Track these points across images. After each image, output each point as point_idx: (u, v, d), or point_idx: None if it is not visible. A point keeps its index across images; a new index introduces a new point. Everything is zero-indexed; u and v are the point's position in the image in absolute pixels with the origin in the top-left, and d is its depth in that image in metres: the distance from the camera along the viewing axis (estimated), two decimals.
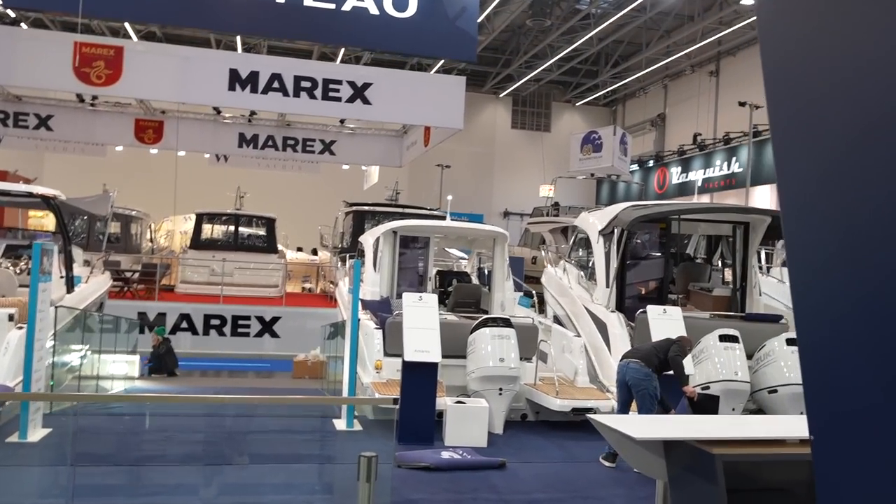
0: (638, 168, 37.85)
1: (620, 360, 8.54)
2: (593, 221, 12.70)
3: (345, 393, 9.49)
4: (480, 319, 9.95)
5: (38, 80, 18.41)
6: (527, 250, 26.21)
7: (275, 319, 19.64)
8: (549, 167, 36.62)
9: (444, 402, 9.12)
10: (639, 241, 12.72)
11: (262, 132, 26.65)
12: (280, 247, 27.89)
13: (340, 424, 9.48)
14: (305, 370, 16.32)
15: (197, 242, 23.17)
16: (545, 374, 10.66)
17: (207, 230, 24.00)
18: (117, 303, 19.28)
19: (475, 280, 14.99)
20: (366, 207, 22.63)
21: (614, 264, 11.42)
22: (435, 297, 9.44)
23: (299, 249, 31.45)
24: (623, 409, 8.56)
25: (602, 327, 10.99)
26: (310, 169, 30.88)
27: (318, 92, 18.43)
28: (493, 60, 36.51)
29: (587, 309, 11.85)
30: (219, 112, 25.96)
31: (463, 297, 13.10)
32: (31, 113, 24.71)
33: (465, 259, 17.65)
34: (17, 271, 11.11)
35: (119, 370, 15.05)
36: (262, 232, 24.27)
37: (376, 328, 10.32)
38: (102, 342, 13.27)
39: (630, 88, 39.46)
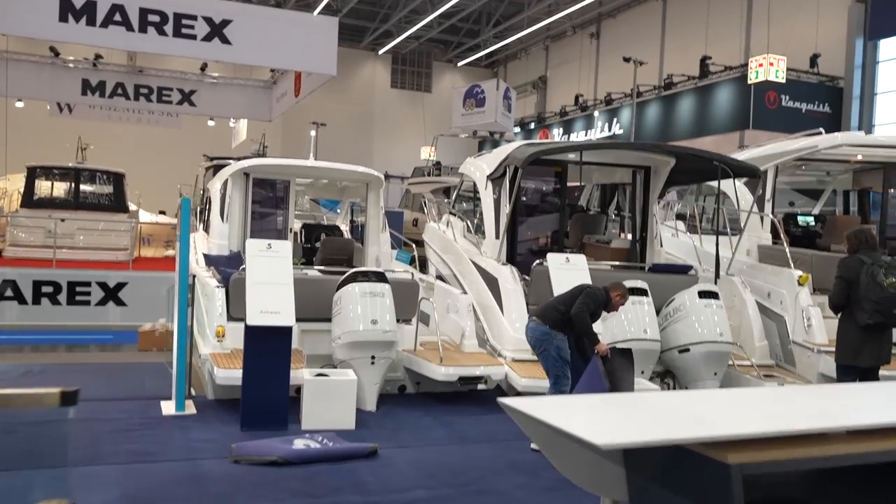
0: (520, 130, 36.66)
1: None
2: (480, 165, 10.98)
3: (174, 370, 7.40)
4: (348, 273, 8.07)
5: None
6: (408, 212, 24.40)
7: (120, 286, 16.91)
8: (430, 128, 34.84)
9: (301, 375, 7.20)
10: (531, 185, 11.10)
11: (109, 79, 23.39)
12: (132, 206, 24.89)
13: (169, 408, 7.40)
14: (152, 341, 13.87)
15: (30, 200, 19.98)
16: (427, 339, 8.93)
17: (42, 186, 20.79)
18: None
19: (348, 236, 13.04)
20: (231, 161, 20.11)
21: (506, 211, 9.77)
22: (288, 244, 7.41)
23: (161, 213, 28.39)
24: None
25: (492, 283, 9.34)
26: (169, 123, 27.87)
27: (169, 28, 15.69)
28: (370, 14, 34.25)
29: (475, 264, 10.15)
30: (57, 54, 22.63)
31: (332, 252, 11.14)
32: None
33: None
34: None
35: None
36: (108, 189, 21.28)
37: (218, 286, 8.25)
38: None
39: (512, 49, 38.17)
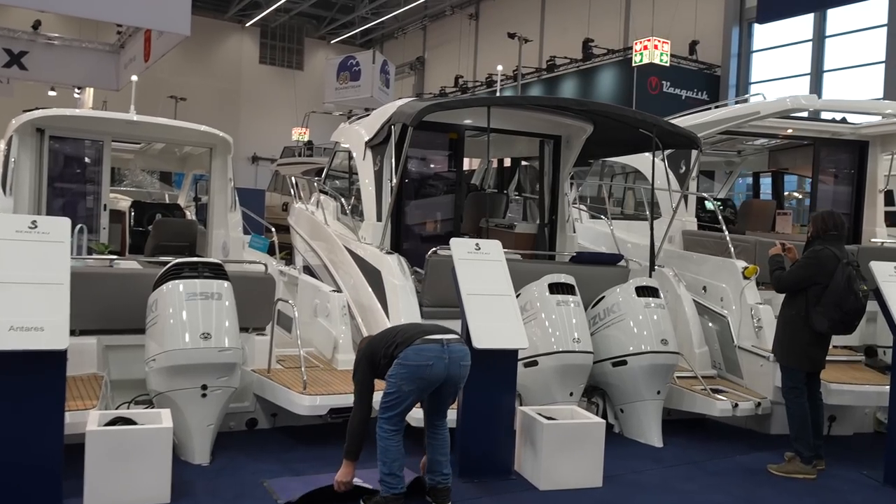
0: None
1: (417, 340, 4.56)
2: (357, 130, 8.57)
3: None
4: (169, 265, 5.47)
5: None
6: (276, 196, 21.53)
7: None
8: (302, 108, 31.88)
9: (84, 420, 4.59)
10: (419, 156, 8.76)
11: None
12: None
13: None
14: None
15: None
16: (286, 353, 6.48)
17: None
18: None
19: (192, 217, 10.28)
20: None
21: (391, 184, 7.43)
22: (63, 222, 4.67)
23: None
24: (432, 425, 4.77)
25: (374, 277, 6.97)
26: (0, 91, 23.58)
27: None
28: None
29: (351, 252, 7.76)
30: None
31: (166, 237, 8.46)
32: None
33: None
34: None
35: None
36: None
37: None
38: None
39: (388, 28, 35.69)
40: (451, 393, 4.72)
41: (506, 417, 5.36)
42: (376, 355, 4.66)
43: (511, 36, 21.71)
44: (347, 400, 5.66)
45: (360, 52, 25.85)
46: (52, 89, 25.68)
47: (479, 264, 5.56)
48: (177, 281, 5.33)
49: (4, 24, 21.73)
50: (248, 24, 34.55)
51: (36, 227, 4.52)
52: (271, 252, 8.92)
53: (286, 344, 6.64)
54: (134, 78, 8.25)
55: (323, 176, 10.25)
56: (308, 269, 9.23)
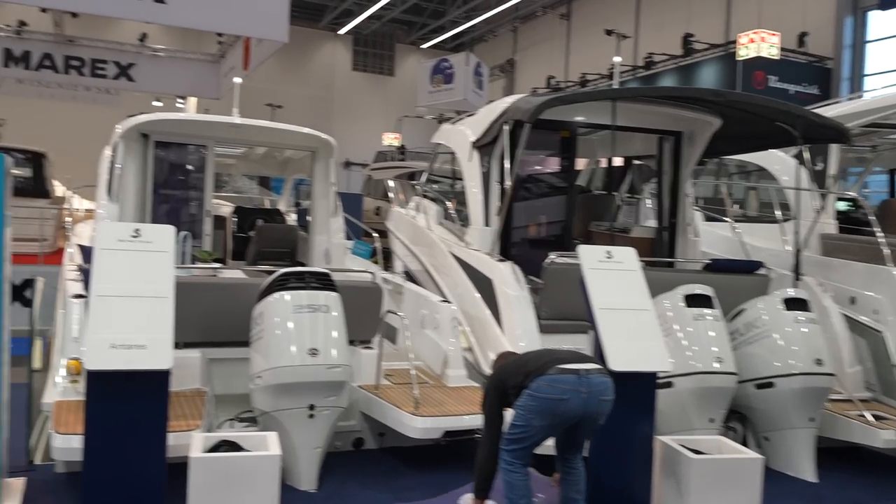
0: None
1: (551, 369, 3.95)
2: (462, 131, 8.03)
3: (2, 428, 4.28)
4: (275, 276, 5.06)
5: None
6: (369, 200, 21.32)
7: (27, 284, 13.65)
8: (393, 113, 31.80)
9: (188, 442, 4.21)
10: (528, 158, 8.14)
11: (35, 49, 19.89)
12: (66, 191, 21.46)
13: None
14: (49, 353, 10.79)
15: None
16: (394, 365, 6.00)
17: None
18: None
19: (293, 222, 9.98)
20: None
21: (497, 189, 6.86)
22: (168, 230, 4.32)
23: None
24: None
25: (485, 285, 6.41)
26: (109, 101, 24.32)
27: None
28: None
29: (457, 258, 7.22)
30: None
31: (268, 243, 8.16)
32: None
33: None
34: None
35: None
36: (25, 171, 17.80)
37: (75, 297, 5.17)
38: None
39: (478, 31, 35.19)
40: (588, 430, 4.10)
41: (644, 449, 4.69)
42: (505, 384, 4.08)
43: (608, 33, 20.80)
44: (463, 422, 5.16)
45: (453, 54, 25.51)
46: (158, 99, 26.35)
47: (611, 274, 4.90)
48: (283, 292, 4.90)
49: (114, 37, 22.34)
50: (341, 32, 34.73)
51: (139, 235, 4.16)
52: (372, 257, 8.50)
53: (390, 356, 6.16)
54: (237, 80, 8.00)
55: (423, 179, 9.76)
56: (408, 275, 8.77)
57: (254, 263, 8.17)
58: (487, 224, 7.14)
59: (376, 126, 33.72)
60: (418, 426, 5.03)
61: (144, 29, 21.49)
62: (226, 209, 9.60)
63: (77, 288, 5.40)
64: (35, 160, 17.79)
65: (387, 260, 10.04)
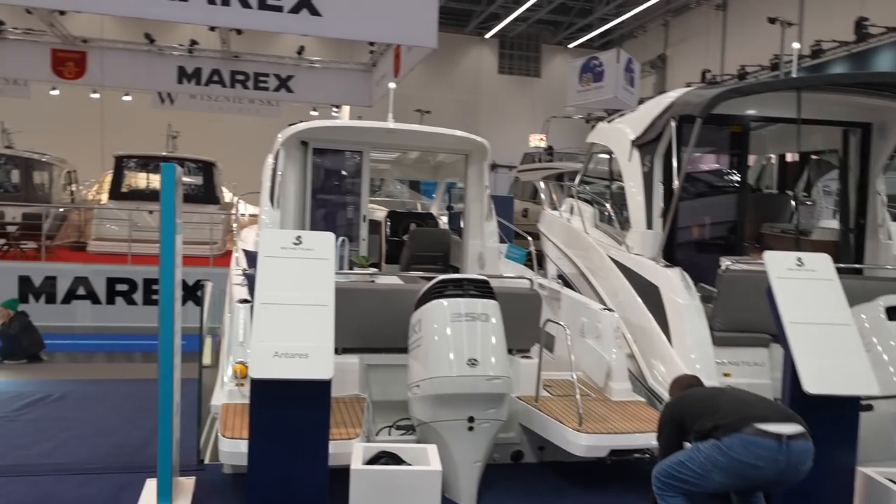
0: None
1: (747, 428, 3.48)
2: (621, 129, 7.59)
3: (174, 428, 4.38)
4: (433, 283, 4.90)
5: None
6: (517, 202, 21.08)
7: (199, 284, 14.50)
8: (539, 115, 31.36)
9: (351, 450, 4.12)
10: (695, 156, 7.55)
11: (205, 65, 21.27)
12: (233, 198, 22.75)
13: (151, 495, 4.46)
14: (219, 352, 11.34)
15: (117, 192, 17.94)
16: (551, 377, 5.69)
17: (130, 177, 18.75)
18: None
19: (444, 225, 9.90)
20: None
21: (660, 190, 6.38)
22: (328, 237, 4.25)
23: None
24: None
25: (650, 293, 5.97)
26: (270, 112, 25.54)
27: None
28: None
29: (617, 263, 6.81)
30: (152, 41, 20.65)
31: (421, 247, 8.08)
32: None
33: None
34: None
35: None
36: (197, 179, 19.00)
37: (241, 301, 5.26)
38: None
39: (627, 27, 34.04)
40: (776, 490, 3.61)
41: (844, 482, 4.12)
42: (685, 423, 3.67)
43: (772, 21, 19.37)
44: (630, 440, 4.77)
45: (603, 52, 24.81)
46: (314, 109, 27.47)
47: (803, 284, 4.35)
48: (441, 300, 4.73)
49: (274, 51, 23.44)
50: (487, 36, 34.75)
51: (301, 242, 4.12)
52: (527, 262, 8.21)
53: (548, 366, 5.84)
54: (392, 85, 7.97)
55: (577, 181, 9.38)
56: (562, 279, 8.43)
57: (407, 267, 8.13)
58: (649, 226, 6.68)
59: (523, 128, 33.41)
60: (582, 443, 4.71)
61: (302, 42, 22.38)
62: (379, 213, 9.67)
63: (242, 292, 5.50)
64: (206, 169, 18.97)
65: (539, 264, 9.75)
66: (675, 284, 5.72)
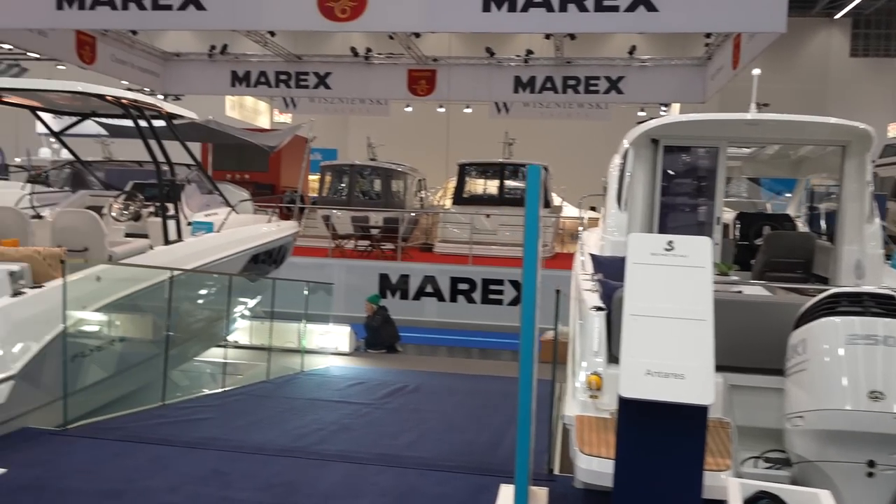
0: None
1: None
2: None
3: (530, 438, 4.21)
4: (823, 296, 4.11)
5: (284, 22, 15.33)
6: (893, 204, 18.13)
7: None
8: None
9: (724, 483, 3.57)
10: None
11: (539, 73, 21.87)
12: (563, 202, 23.07)
13: (507, 501, 4.35)
14: (551, 352, 11.32)
15: (459, 197, 19.13)
16: None
17: (471, 183, 19.86)
18: (351, 263, 15.91)
19: (803, 228, 8.67)
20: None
21: None
22: (705, 242, 3.72)
23: (593, 209, 26.18)
24: None
25: None
26: (599, 115, 25.44)
27: (590, 2, 13.00)
28: None
29: None
30: (492, 54, 21.72)
31: (779, 253, 7.10)
32: (311, 72, 22.63)
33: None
34: (118, 214, 7.63)
35: (327, 343, 11.41)
36: None
37: (595, 309, 4.95)
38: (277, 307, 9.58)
39: None
40: None
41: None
42: None
43: None
44: None
45: None
46: (642, 109, 26.67)
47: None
48: (833, 317, 3.94)
49: (604, 53, 23.24)
50: (837, 16, 30.75)
51: (672, 248, 3.67)
52: None
53: None
54: (756, 72, 7.09)
55: None
56: None
57: (761, 275, 7.21)
58: None
59: (879, 117, 28.90)
60: None
61: (634, 41, 21.82)
62: (728, 215, 8.81)
63: (594, 299, 5.20)
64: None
65: None
66: None
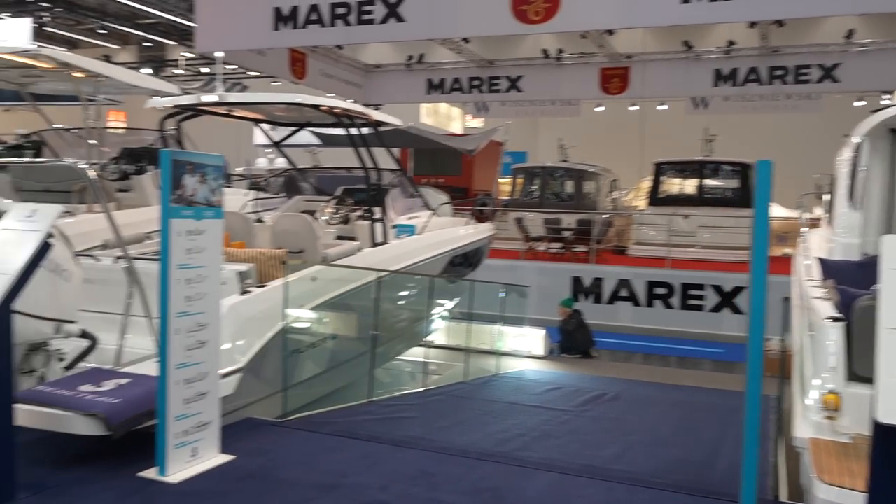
0: None
1: None
2: None
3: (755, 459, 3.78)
4: None
5: (479, 28, 15.56)
6: None
7: (738, 290, 13.73)
8: None
9: None
10: None
11: (741, 65, 20.38)
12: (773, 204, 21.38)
13: None
14: (766, 364, 10.39)
15: (655, 197, 18.31)
16: None
17: (668, 183, 18.94)
18: (544, 265, 15.71)
19: None
20: None
21: None
22: None
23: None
24: None
25: None
26: (809, 107, 23.31)
27: None
28: None
29: None
30: (690, 47, 20.61)
31: None
32: (503, 76, 22.79)
33: None
34: (329, 217, 8.00)
35: (521, 346, 11.35)
36: (732, 182, 18.21)
37: (831, 319, 4.38)
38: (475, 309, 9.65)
39: None
40: None
41: None
42: None
43: None
44: None
45: None
46: (860, 99, 24.06)
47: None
48: None
49: (817, 39, 21.25)
50: None
51: None
52: None
53: None
54: None
55: None
56: None
57: None
58: None
59: None
60: None
61: (851, 24, 19.71)
62: None
63: (828, 308, 4.63)
64: (742, 171, 18.09)
65: None
66: None
